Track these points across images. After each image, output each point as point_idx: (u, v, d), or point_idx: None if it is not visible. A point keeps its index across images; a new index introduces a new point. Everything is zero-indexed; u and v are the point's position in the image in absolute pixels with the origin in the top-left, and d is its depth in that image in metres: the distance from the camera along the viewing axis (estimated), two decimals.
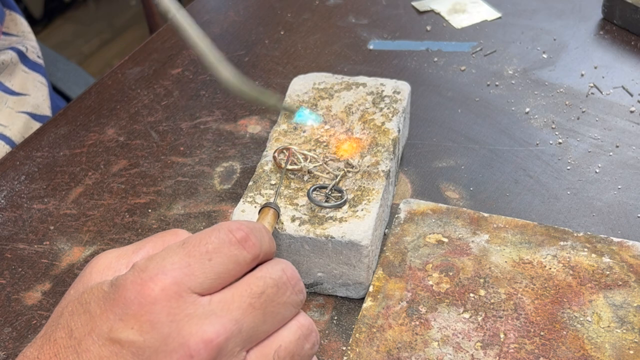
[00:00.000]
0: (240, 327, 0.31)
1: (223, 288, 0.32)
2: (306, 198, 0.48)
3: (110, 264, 0.34)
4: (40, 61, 0.80)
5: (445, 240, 0.50)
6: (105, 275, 0.34)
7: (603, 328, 0.44)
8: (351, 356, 0.44)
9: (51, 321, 0.33)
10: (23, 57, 0.77)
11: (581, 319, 0.45)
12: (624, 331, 0.44)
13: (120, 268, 0.34)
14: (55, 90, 0.90)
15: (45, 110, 0.77)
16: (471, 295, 0.46)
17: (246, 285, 0.32)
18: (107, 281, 0.32)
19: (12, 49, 0.76)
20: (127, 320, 0.30)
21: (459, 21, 0.75)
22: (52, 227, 0.56)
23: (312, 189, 0.48)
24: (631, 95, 0.64)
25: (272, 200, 0.47)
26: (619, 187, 0.56)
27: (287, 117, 0.50)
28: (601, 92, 0.65)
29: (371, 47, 0.73)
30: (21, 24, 0.80)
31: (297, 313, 0.34)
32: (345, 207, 0.47)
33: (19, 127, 0.72)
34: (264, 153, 0.52)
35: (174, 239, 0.35)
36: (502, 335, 0.44)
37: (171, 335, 0.30)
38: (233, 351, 0.31)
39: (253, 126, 0.64)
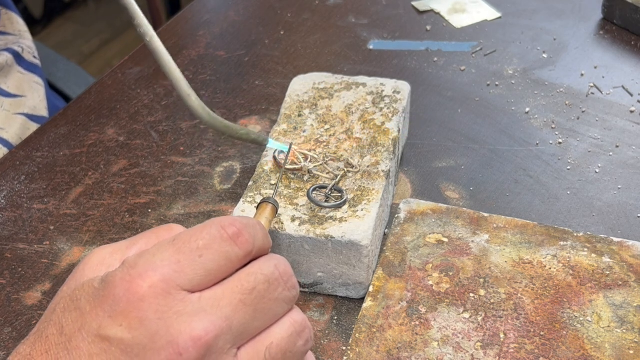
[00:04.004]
0: (230, 324, 0.31)
1: (214, 285, 0.32)
2: (306, 198, 0.48)
3: (104, 260, 0.34)
4: (37, 61, 0.80)
5: (445, 240, 0.50)
6: (99, 271, 0.33)
7: (603, 328, 0.44)
8: (351, 356, 0.44)
9: (44, 318, 0.33)
10: (19, 58, 0.76)
11: (581, 319, 0.45)
12: (624, 331, 0.44)
13: (113, 264, 0.34)
14: (56, 90, 0.90)
15: (42, 111, 0.77)
16: (471, 295, 0.46)
17: (237, 281, 0.32)
18: (97, 278, 0.32)
19: (8, 50, 0.75)
20: (116, 317, 0.30)
21: (459, 21, 0.75)
22: (52, 227, 0.56)
23: (312, 189, 0.48)
24: (631, 95, 0.64)
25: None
26: (619, 187, 0.56)
27: (259, 146, 0.51)
28: (601, 92, 0.65)
29: (371, 47, 0.73)
30: (17, 23, 0.80)
31: (291, 309, 0.34)
32: (345, 207, 0.47)
33: (16, 130, 0.72)
34: (264, 153, 0.52)
35: (168, 235, 0.35)
36: (502, 335, 0.44)
37: (159, 333, 0.30)
38: (223, 348, 0.31)
39: (253, 126, 0.64)
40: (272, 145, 0.49)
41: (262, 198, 0.47)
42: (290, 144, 0.50)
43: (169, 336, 0.30)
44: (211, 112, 0.42)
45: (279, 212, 0.47)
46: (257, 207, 0.42)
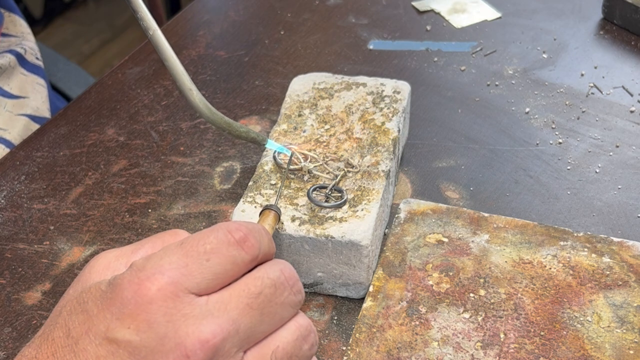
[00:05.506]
0: (237, 327, 0.31)
1: (221, 288, 0.32)
2: (306, 198, 0.48)
3: (109, 264, 0.34)
4: (39, 63, 0.80)
5: (445, 240, 0.50)
6: (104, 275, 0.34)
7: (603, 328, 0.44)
8: (351, 356, 0.44)
9: (50, 320, 0.33)
10: (21, 60, 0.77)
11: (581, 319, 0.45)
12: (624, 331, 0.44)
13: (119, 268, 0.34)
14: (56, 90, 0.90)
15: (45, 112, 0.77)
16: (471, 295, 0.46)
17: (244, 285, 0.32)
18: (105, 280, 0.32)
19: (11, 51, 0.75)
20: (124, 319, 0.30)
21: (459, 21, 0.75)
22: (52, 227, 0.56)
23: (312, 189, 0.48)
24: (631, 95, 0.64)
25: (273, 202, 0.47)
26: (619, 187, 0.56)
27: (259, 145, 0.51)
28: (601, 92, 0.65)
29: (371, 47, 0.73)
30: (20, 25, 0.80)
31: (296, 313, 0.34)
32: (345, 207, 0.47)
33: (19, 130, 0.72)
34: (264, 153, 0.52)
35: (173, 239, 0.35)
36: (502, 335, 0.44)
37: (167, 335, 0.30)
38: (230, 352, 0.31)
39: (253, 126, 0.64)
40: (271, 145, 0.49)
41: (265, 203, 0.47)
42: (291, 153, 0.50)
43: (177, 339, 0.30)
44: (212, 108, 0.42)
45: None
46: (260, 214, 0.42)
